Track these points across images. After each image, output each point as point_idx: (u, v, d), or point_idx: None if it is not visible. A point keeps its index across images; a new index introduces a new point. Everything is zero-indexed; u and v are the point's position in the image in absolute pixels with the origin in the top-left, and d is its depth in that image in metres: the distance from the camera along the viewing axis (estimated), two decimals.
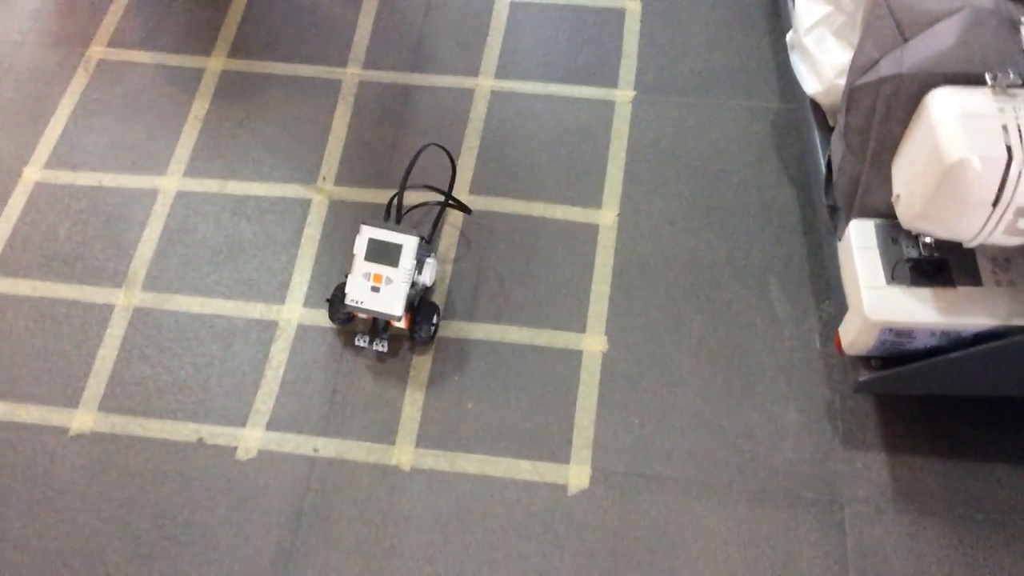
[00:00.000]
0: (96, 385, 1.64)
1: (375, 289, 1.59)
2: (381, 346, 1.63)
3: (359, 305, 1.59)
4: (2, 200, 1.86)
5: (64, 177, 1.89)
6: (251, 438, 1.58)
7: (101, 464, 1.56)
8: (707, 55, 2.02)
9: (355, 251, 1.61)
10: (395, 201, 1.71)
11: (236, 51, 2.06)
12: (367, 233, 1.61)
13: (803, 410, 1.58)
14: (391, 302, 1.59)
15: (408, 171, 1.71)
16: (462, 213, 1.80)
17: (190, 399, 1.62)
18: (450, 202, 1.77)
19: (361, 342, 1.64)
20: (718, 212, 1.80)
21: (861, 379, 1.44)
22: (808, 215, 1.78)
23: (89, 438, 1.59)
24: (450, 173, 1.79)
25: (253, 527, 1.50)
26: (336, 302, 1.67)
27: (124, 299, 1.73)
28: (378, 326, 1.64)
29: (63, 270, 1.77)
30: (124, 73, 2.04)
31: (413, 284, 1.61)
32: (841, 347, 1.45)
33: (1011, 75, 1.22)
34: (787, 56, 1.76)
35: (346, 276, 1.62)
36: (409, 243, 1.61)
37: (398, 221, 1.72)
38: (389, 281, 1.59)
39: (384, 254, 1.60)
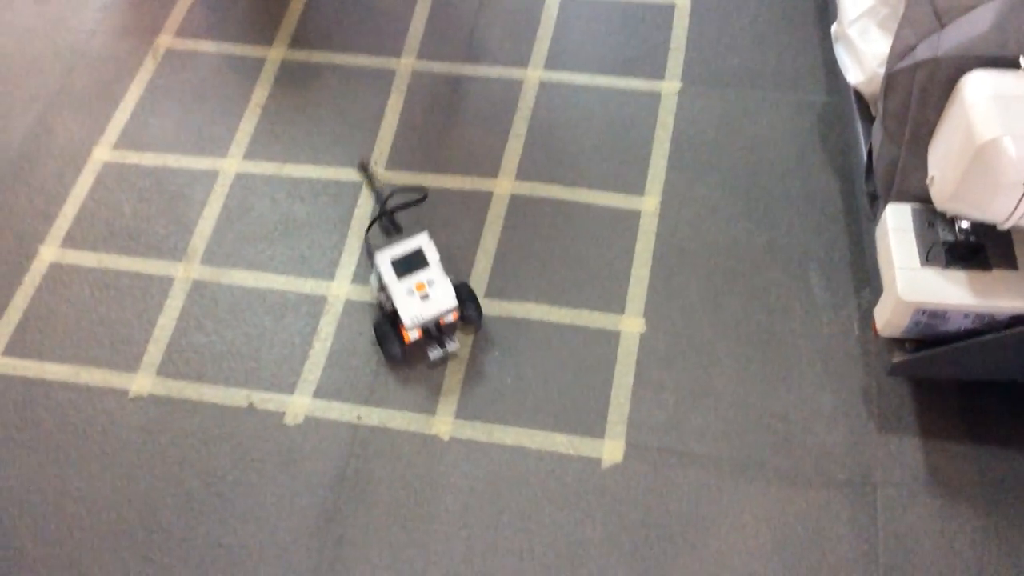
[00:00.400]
0: (155, 351, 1.72)
1: (424, 297, 1.63)
2: (454, 345, 1.65)
3: (422, 319, 1.61)
4: (72, 178, 1.95)
5: (131, 157, 1.98)
6: (299, 405, 1.65)
7: (157, 425, 1.64)
8: (754, 49, 2.04)
9: (384, 280, 1.64)
10: (378, 222, 1.78)
11: (296, 42, 2.14)
12: (385, 257, 1.66)
13: (838, 394, 1.60)
14: (444, 296, 1.63)
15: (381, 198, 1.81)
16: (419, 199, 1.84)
17: (242, 367, 1.70)
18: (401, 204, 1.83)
19: (435, 354, 1.65)
20: (760, 201, 1.82)
21: (895, 361, 1.45)
22: (851, 205, 1.80)
23: (147, 400, 1.67)
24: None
25: (298, 488, 1.56)
26: (388, 338, 1.65)
27: (183, 272, 1.81)
28: (433, 332, 1.66)
29: (127, 244, 1.86)
30: (190, 61, 2.13)
31: None
32: (876, 329, 1.47)
33: None
34: (832, 50, 1.78)
35: (380, 315, 1.68)
36: (423, 240, 1.68)
37: (399, 231, 1.79)
38: (431, 282, 1.64)
39: (411, 263, 1.65)
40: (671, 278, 1.74)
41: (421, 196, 1.82)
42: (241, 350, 1.72)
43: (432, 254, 1.67)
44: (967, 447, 1.53)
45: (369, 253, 1.71)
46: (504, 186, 1.88)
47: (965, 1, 1.35)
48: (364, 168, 1.83)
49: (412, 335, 1.63)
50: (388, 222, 1.81)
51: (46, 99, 2.09)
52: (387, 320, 1.66)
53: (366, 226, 1.81)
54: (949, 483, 1.50)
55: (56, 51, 2.17)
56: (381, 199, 1.81)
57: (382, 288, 1.66)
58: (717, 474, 1.54)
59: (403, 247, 1.67)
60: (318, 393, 1.66)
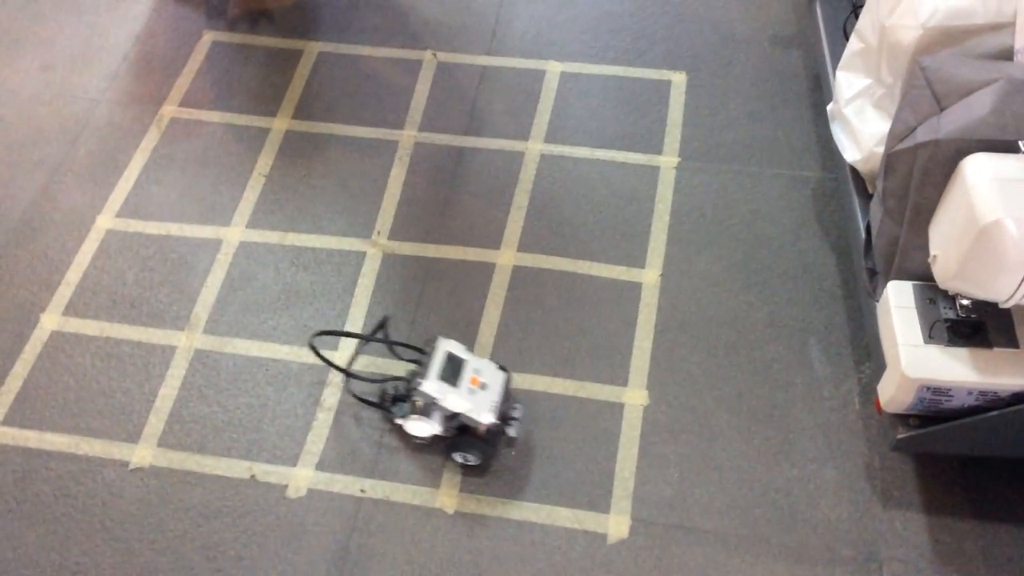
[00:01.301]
0: (156, 422, 1.71)
1: (483, 386, 1.58)
2: (520, 411, 1.63)
3: (496, 405, 1.57)
4: (76, 246, 1.96)
5: (134, 226, 1.99)
6: (301, 477, 1.64)
7: (158, 497, 1.62)
8: (750, 126, 2.09)
9: (445, 404, 1.56)
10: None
11: (300, 113, 2.18)
12: (431, 385, 1.57)
13: (841, 469, 1.61)
14: (493, 374, 1.61)
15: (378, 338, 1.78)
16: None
17: (244, 438, 1.69)
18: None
19: (513, 430, 1.60)
20: (759, 275, 1.85)
21: (899, 436, 1.46)
22: (848, 280, 1.83)
23: (148, 472, 1.65)
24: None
25: (301, 563, 1.54)
26: (473, 447, 1.60)
27: (186, 341, 1.81)
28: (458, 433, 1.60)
29: (130, 312, 1.86)
30: (194, 131, 2.16)
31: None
32: (880, 406, 1.48)
33: None
34: (827, 128, 1.83)
35: (449, 439, 1.61)
36: (445, 344, 1.62)
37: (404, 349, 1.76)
38: (478, 371, 1.60)
39: (452, 369, 1.59)
40: (673, 350, 1.76)
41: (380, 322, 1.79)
42: (243, 421, 1.71)
43: (458, 349, 1.62)
44: (971, 524, 1.53)
45: (387, 399, 1.66)
46: (507, 257, 1.90)
47: (963, 86, 1.39)
48: (382, 326, 1.79)
49: (490, 423, 1.57)
50: (390, 349, 1.77)
51: (50, 167, 2.10)
52: (458, 434, 1.60)
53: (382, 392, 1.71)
54: (954, 560, 1.50)
55: (61, 119, 2.19)
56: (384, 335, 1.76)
57: (435, 411, 1.58)
58: (723, 550, 1.53)
59: (434, 364, 1.59)
60: (321, 465, 1.65)
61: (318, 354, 1.69)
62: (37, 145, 2.14)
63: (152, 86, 2.25)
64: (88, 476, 1.65)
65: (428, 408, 1.56)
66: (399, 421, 1.61)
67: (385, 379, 1.70)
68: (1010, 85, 1.34)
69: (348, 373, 1.72)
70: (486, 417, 1.55)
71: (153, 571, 1.55)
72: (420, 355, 1.66)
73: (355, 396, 1.70)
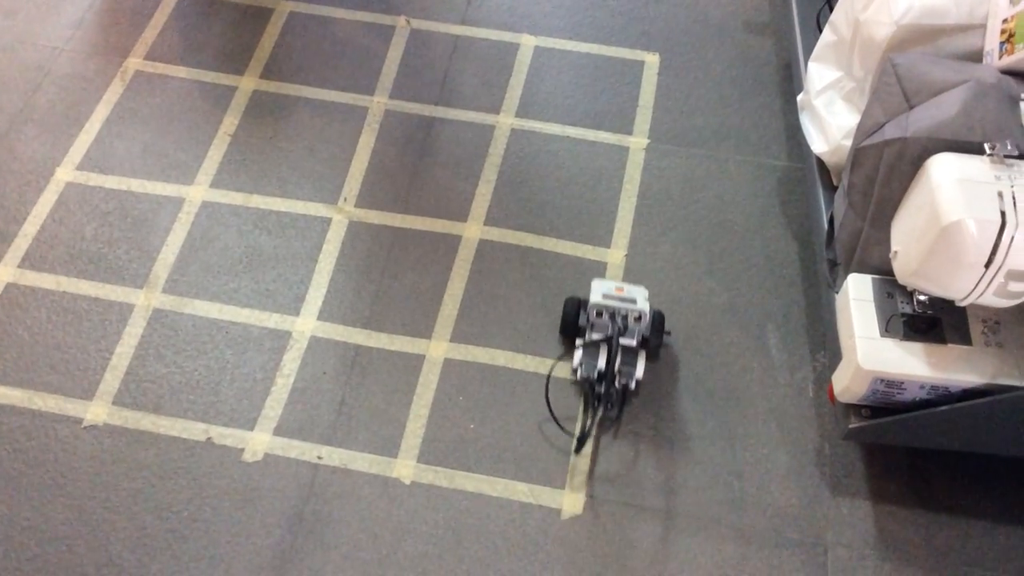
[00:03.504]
0: (112, 380, 1.69)
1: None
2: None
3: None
4: (34, 197, 1.92)
5: (95, 179, 1.95)
6: (258, 441, 1.63)
7: (112, 456, 1.61)
8: (720, 111, 2.10)
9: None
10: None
11: (269, 72, 2.14)
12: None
13: (793, 454, 1.64)
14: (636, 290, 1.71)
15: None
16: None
17: (201, 400, 1.67)
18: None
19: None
20: (722, 260, 1.87)
21: (851, 426, 1.49)
22: (808, 269, 1.85)
23: (102, 430, 1.64)
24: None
25: (254, 526, 1.54)
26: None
27: (144, 300, 1.79)
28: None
29: (87, 268, 1.83)
30: (159, 85, 2.12)
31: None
32: (833, 395, 1.52)
33: (1009, 146, 1.30)
34: (796, 117, 1.85)
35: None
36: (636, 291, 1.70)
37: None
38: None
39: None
40: None
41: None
42: (201, 383, 1.69)
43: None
44: (916, 513, 1.58)
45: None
46: (473, 231, 1.90)
47: (933, 85, 1.41)
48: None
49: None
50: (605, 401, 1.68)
51: (9, 116, 2.05)
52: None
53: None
54: (898, 547, 1.55)
55: (22, 67, 2.13)
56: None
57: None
58: (674, 530, 1.56)
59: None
60: (279, 430, 1.65)
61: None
62: None
63: (117, 37, 2.20)
64: (41, 432, 1.63)
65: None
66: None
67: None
68: (978, 87, 1.37)
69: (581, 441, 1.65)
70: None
71: (105, 530, 1.54)
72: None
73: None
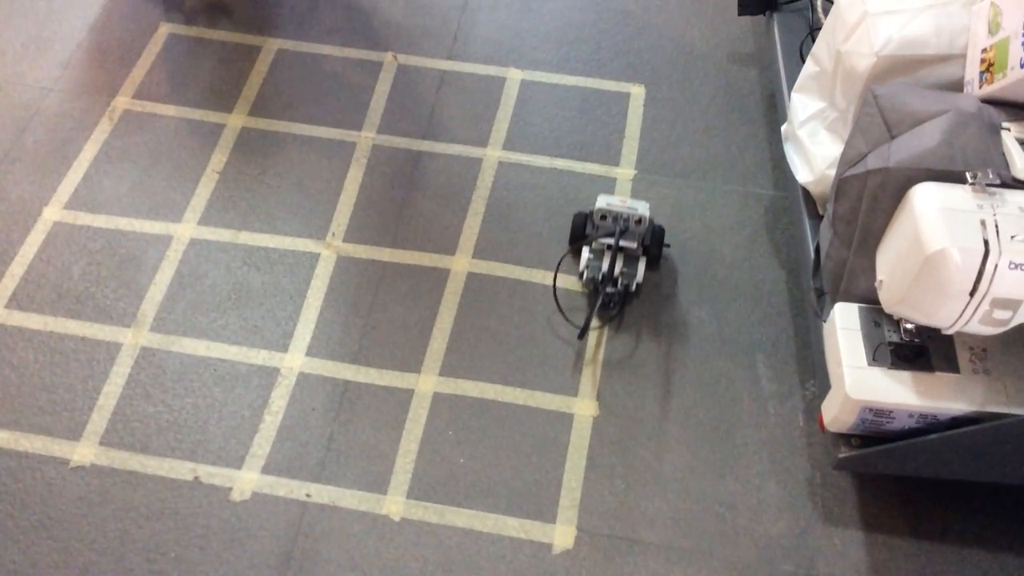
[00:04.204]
0: (99, 420, 1.68)
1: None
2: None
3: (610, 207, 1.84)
4: (21, 237, 1.92)
5: (82, 218, 1.95)
6: (246, 480, 1.62)
7: (99, 497, 1.60)
8: (706, 141, 2.11)
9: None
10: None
11: (257, 109, 2.15)
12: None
13: (784, 485, 1.63)
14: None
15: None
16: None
17: (189, 439, 1.66)
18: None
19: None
20: (710, 289, 1.87)
21: (841, 456, 1.49)
22: (796, 298, 1.86)
23: (88, 471, 1.63)
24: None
25: (243, 567, 1.53)
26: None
27: (132, 339, 1.78)
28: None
29: (75, 307, 1.82)
30: (147, 124, 2.12)
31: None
32: (823, 424, 1.51)
33: (990, 174, 1.30)
34: (781, 147, 1.86)
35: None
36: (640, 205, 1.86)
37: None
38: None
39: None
40: (625, 362, 1.77)
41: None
42: (188, 421, 1.69)
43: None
44: (907, 542, 1.57)
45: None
46: (461, 264, 1.90)
47: (914, 115, 1.42)
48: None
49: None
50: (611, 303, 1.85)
51: None
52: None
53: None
54: None
55: (10, 107, 2.14)
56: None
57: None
58: (666, 563, 1.55)
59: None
60: (267, 468, 1.64)
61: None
62: None
63: (105, 76, 2.21)
64: (27, 473, 1.62)
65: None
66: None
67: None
68: (959, 116, 1.38)
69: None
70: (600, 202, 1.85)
71: (92, 572, 1.52)
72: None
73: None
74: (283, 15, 2.35)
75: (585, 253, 1.85)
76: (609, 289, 1.80)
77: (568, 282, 1.88)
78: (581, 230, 1.89)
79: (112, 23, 2.32)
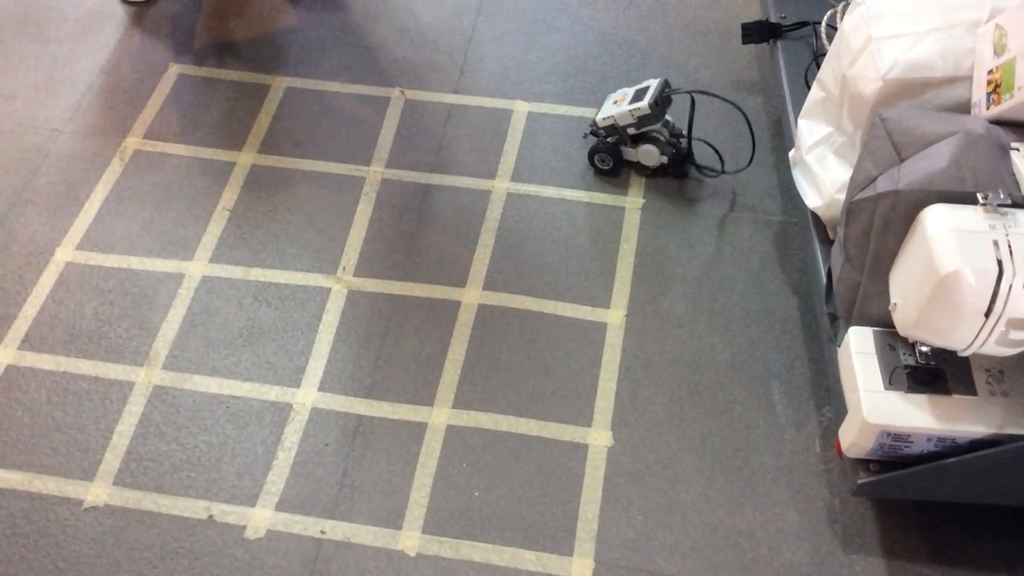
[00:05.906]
0: (112, 460, 1.68)
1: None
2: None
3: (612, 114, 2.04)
4: (34, 278, 1.93)
5: (94, 259, 1.96)
6: (260, 518, 1.61)
7: (112, 537, 1.59)
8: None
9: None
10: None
11: (266, 147, 2.17)
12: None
13: (803, 512, 1.61)
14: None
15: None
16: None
17: (203, 477, 1.66)
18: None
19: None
20: (722, 316, 1.87)
21: (860, 482, 1.47)
22: (809, 323, 1.85)
23: (102, 511, 1.62)
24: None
25: None
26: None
27: (145, 377, 1.79)
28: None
29: (87, 347, 1.83)
30: (158, 163, 2.14)
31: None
32: (841, 450, 1.50)
33: (1001, 195, 1.30)
34: (789, 173, 1.86)
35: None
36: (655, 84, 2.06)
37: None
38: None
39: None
40: (637, 392, 1.76)
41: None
42: (202, 459, 1.68)
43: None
44: (929, 568, 1.55)
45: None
46: (472, 296, 1.90)
47: (922, 137, 1.42)
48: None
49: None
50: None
51: (9, 198, 2.07)
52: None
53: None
54: None
55: (21, 149, 2.16)
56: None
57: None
58: None
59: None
60: (281, 505, 1.63)
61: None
62: None
63: (116, 118, 2.23)
64: (41, 515, 1.62)
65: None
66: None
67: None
68: (967, 138, 1.38)
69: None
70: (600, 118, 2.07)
71: None
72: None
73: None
74: (291, 54, 2.37)
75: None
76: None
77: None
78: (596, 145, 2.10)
79: (122, 65, 2.35)
